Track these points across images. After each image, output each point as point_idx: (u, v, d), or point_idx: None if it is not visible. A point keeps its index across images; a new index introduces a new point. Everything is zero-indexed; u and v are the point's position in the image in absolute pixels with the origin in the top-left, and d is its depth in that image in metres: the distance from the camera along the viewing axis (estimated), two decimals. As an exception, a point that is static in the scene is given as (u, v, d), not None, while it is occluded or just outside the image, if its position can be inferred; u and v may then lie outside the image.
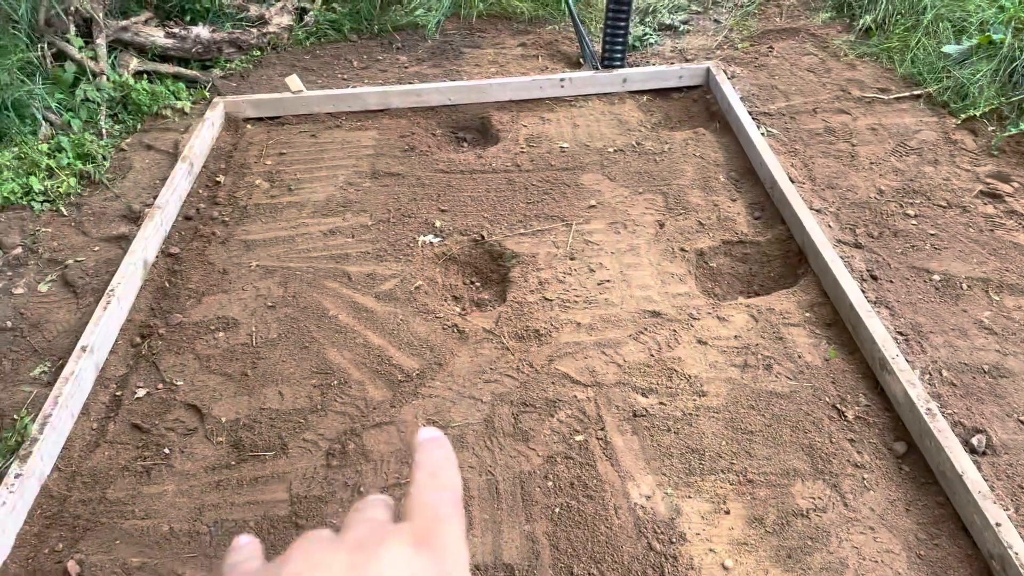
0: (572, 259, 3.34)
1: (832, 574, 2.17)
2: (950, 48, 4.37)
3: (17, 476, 2.41)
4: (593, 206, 3.65)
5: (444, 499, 0.54)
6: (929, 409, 2.46)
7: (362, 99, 4.47)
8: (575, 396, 2.73)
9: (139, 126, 4.31)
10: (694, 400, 2.70)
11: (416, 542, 0.49)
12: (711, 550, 2.25)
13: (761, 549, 2.24)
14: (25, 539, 2.37)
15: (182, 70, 4.71)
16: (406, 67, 4.93)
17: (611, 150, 4.06)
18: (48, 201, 3.69)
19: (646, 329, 2.98)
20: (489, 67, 4.87)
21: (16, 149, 3.82)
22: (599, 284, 3.20)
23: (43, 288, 3.25)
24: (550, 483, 2.45)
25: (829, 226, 3.41)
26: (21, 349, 2.98)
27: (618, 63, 4.64)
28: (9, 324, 3.06)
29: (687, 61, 4.80)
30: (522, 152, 4.07)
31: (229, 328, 3.08)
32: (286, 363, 2.91)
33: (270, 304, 3.18)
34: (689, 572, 2.19)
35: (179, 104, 4.44)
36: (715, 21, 5.33)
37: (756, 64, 4.74)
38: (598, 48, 4.75)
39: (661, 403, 2.69)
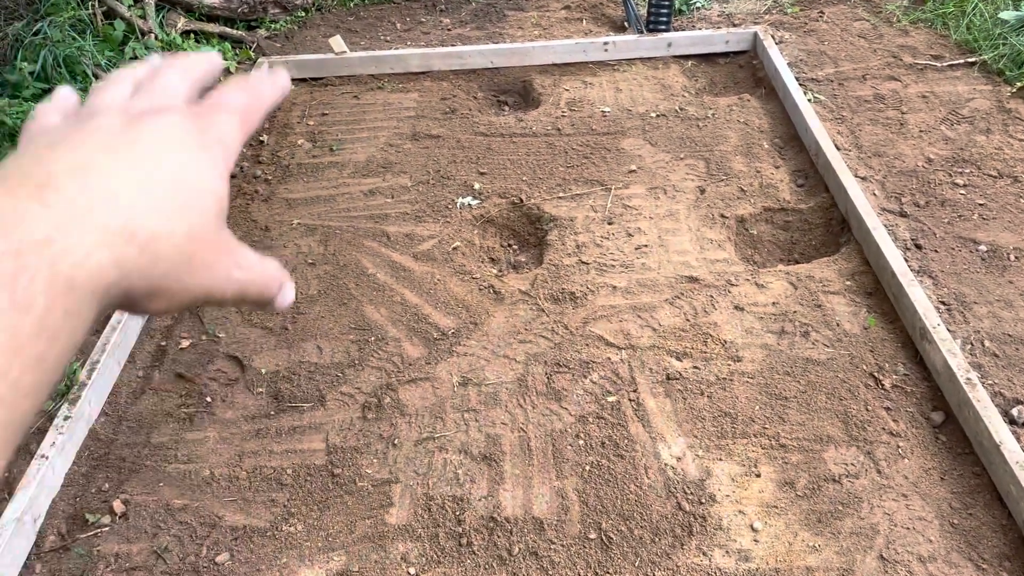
0: (610, 223, 3.33)
1: (862, 539, 2.17)
2: (1007, 14, 4.22)
3: (66, 418, 2.50)
4: (633, 171, 3.63)
5: (240, 97, 0.53)
6: (969, 379, 2.42)
7: (404, 61, 4.47)
8: (609, 358, 2.74)
9: (186, 85, 4.37)
10: (729, 365, 2.69)
11: (191, 116, 0.48)
12: (740, 511, 2.25)
13: (791, 512, 2.24)
14: (73, 479, 2.47)
15: (228, 30, 4.75)
16: (449, 29, 4.92)
17: (653, 115, 4.02)
18: (98, 157, 3.77)
19: (683, 294, 2.97)
20: (532, 30, 4.84)
21: (67, 105, 3.91)
22: (637, 249, 3.19)
23: (92, 241, 3.34)
24: (581, 442, 2.47)
25: (874, 194, 3.35)
26: (71, 298, 3.07)
27: (663, 27, 4.58)
28: (60, 274, 3.16)
29: (734, 26, 4.71)
30: (563, 116, 4.05)
31: (270, 283, 3.13)
32: (325, 319, 2.96)
33: (310, 261, 3.23)
34: (718, 532, 2.21)
35: (225, 63, 4.48)
36: (764, -15, 5.21)
37: (805, 29, 4.63)
38: (643, 12, 4.69)
39: (695, 367, 2.69)
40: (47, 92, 3.97)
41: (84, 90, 4.03)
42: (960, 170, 3.45)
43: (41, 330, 0.37)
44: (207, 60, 0.57)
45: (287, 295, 0.54)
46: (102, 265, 0.40)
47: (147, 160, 0.44)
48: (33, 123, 0.50)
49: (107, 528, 2.31)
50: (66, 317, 0.38)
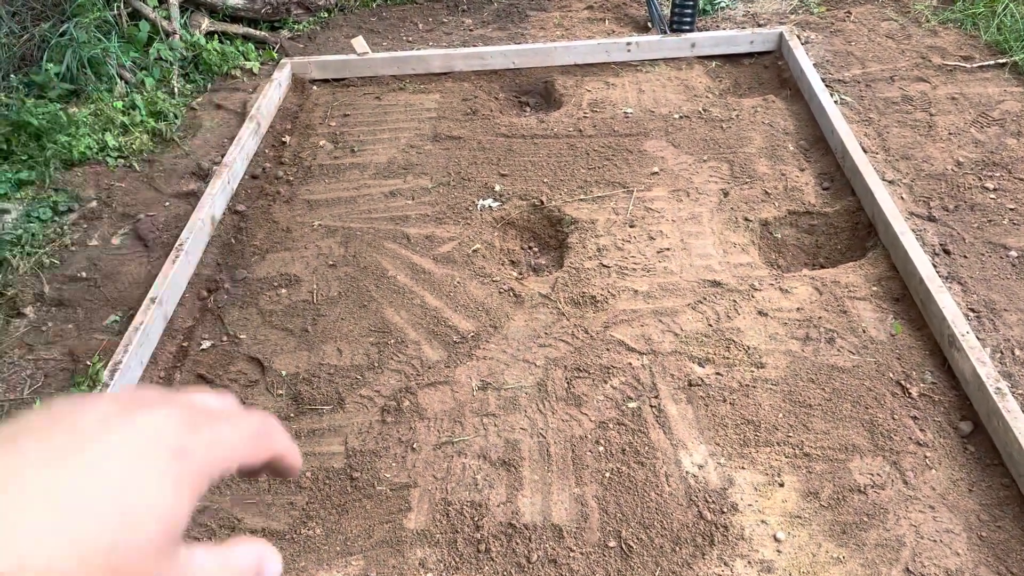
0: (632, 226, 3.30)
1: (888, 551, 2.13)
2: (1042, 14, 4.14)
3: (89, 419, 2.51)
4: (656, 173, 3.60)
5: (257, 424, 0.48)
6: (999, 388, 2.37)
7: (426, 62, 4.47)
8: (630, 363, 2.71)
9: (209, 85, 4.40)
10: (752, 371, 2.65)
11: (190, 414, 0.43)
12: (763, 521, 2.22)
13: (815, 523, 2.21)
14: None
15: (251, 31, 4.77)
16: (471, 30, 4.90)
17: (676, 116, 3.98)
18: (122, 157, 3.80)
19: (705, 299, 2.94)
20: (554, 30, 4.81)
21: (93, 106, 3.94)
22: (659, 252, 3.16)
23: (116, 241, 3.36)
24: (601, 448, 2.44)
25: (902, 198, 3.29)
26: (95, 298, 3.09)
27: (687, 27, 4.54)
28: (84, 274, 3.18)
29: (759, 26, 4.66)
30: (585, 117, 4.02)
31: (291, 285, 3.14)
32: (345, 321, 2.96)
33: (331, 263, 3.23)
34: (739, 543, 2.17)
35: (248, 64, 4.51)
36: (790, -15, 5.14)
37: (832, 29, 4.57)
38: (667, 12, 4.65)
39: (718, 373, 2.66)
40: (72, 93, 4.01)
41: (109, 91, 4.06)
42: (990, 174, 3.38)
43: None
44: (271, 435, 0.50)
45: (270, 571, 0.47)
46: None
47: (87, 471, 0.38)
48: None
49: (127, 529, 2.32)
50: None
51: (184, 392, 0.48)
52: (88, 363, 2.77)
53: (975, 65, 4.10)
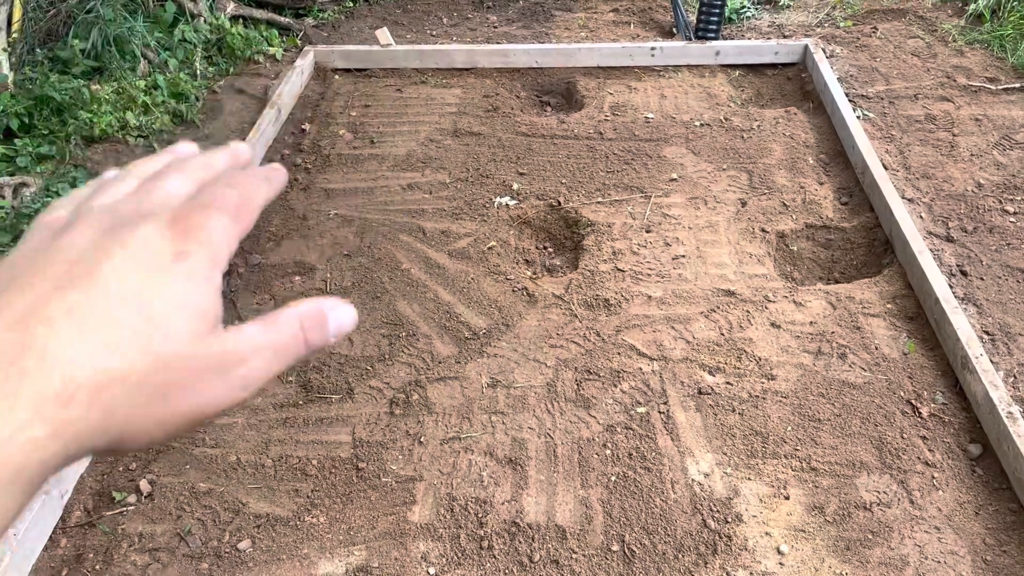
0: (648, 231, 3.29)
1: (891, 570, 2.12)
2: (1070, 39, 4.12)
3: (99, 395, 2.52)
4: (674, 179, 3.59)
5: (231, 195, 0.47)
6: (1010, 412, 2.36)
7: (449, 56, 4.47)
8: (640, 368, 2.71)
9: (232, 69, 4.41)
10: (762, 383, 2.65)
11: (171, 223, 0.43)
12: (767, 533, 2.21)
13: (819, 538, 2.20)
14: (102, 456, 2.49)
15: (276, 17, 4.78)
16: (495, 27, 4.90)
17: (697, 124, 3.97)
18: (142, 136, 3.81)
19: (718, 307, 2.93)
20: (579, 31, 4.81)
21: (116, 84, 3.95)
22: (674, 259, 3.15)
23: (133, 220, 3.37)
24: (608, 451, 2.44)
25: (920, 217, 3.28)
26: (109, 276, 3.10)
27: (712, 35, 4.53)
28: (100, 252, 3.19)
29: (784, 37, 4.65)
30: (606, 120, 4.02)
31: (305, 273, 3.15)
32: (357, 311, 2.95)
33: (346, 253, 3.23)
34: (742, 553, 2.17)
35: (271, 50, 4.52)
36: (817, -3, 5.13)
37: (858, 44, 4.55)
38: (693, 18, 4.64)
39: (728, 383, 2.65)
40: (96, 70, 4.02)
41: (132, 69, 4.07)
42: (1011, 197, 3.36)
43: None
44: (230, 155, 0.52)
45: (338, 326, 0.48)
46: (36, 442, 0.35)
47: (103, 292, 0.39)
48: (43, 217, 0.46)
49: (132, 507, 2.33)
50: None
51: (154, 181, 0.47)
52: (100, 340, 2.78)
53: (1000, 87, 4.08)
